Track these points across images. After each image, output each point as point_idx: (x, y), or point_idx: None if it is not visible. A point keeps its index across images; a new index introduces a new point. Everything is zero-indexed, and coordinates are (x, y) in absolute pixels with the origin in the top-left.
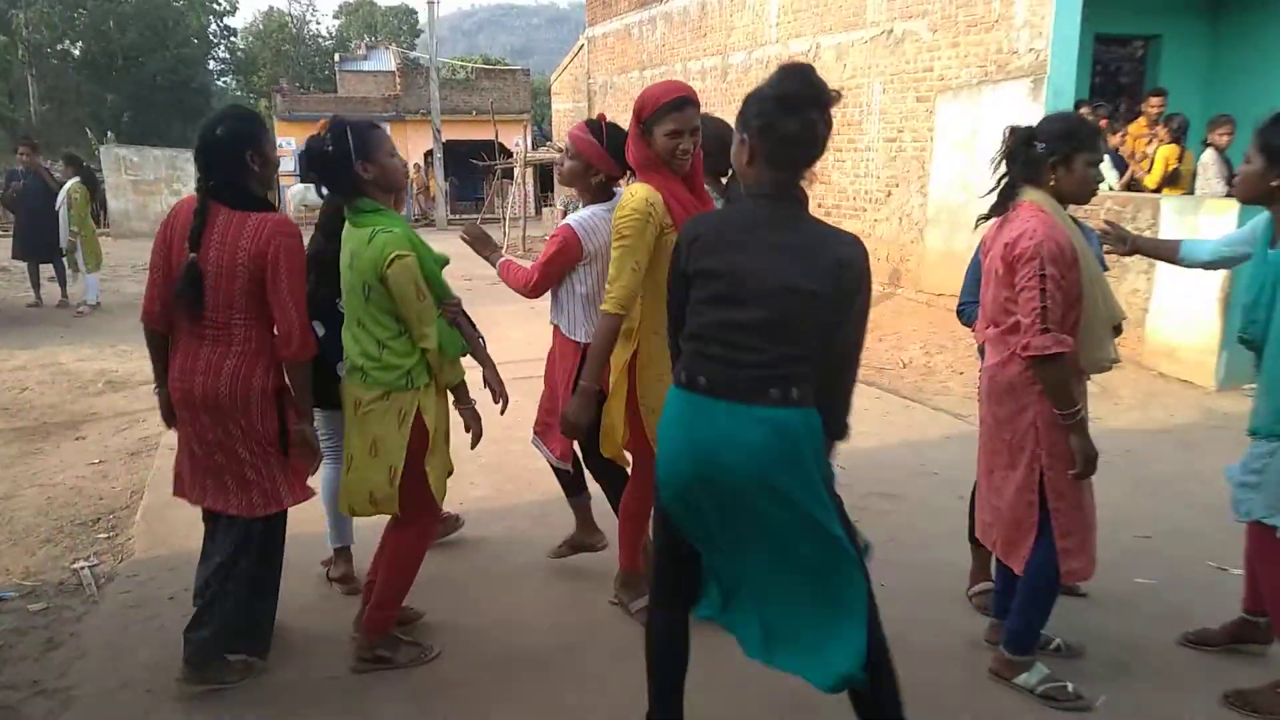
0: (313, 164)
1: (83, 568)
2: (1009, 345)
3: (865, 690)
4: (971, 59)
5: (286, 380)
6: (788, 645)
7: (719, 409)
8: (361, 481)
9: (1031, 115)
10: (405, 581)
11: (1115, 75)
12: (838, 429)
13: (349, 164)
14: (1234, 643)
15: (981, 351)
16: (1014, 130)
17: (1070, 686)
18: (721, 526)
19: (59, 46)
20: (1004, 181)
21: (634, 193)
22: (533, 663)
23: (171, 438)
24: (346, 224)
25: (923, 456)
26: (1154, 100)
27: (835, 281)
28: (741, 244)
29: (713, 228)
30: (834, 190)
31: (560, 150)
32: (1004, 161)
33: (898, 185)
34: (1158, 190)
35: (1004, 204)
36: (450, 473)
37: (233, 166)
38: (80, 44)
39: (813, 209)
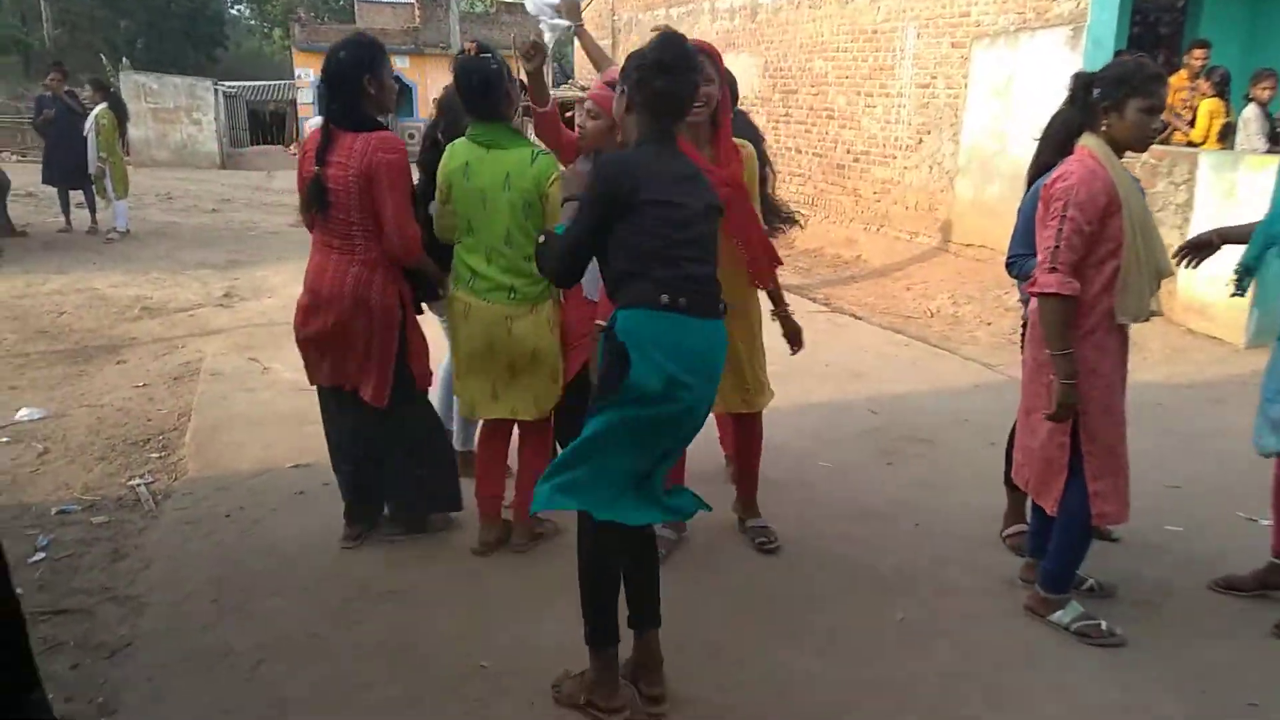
0: (477, 81)
1: (139, 485)
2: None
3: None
4: (1010, 5)
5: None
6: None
7: (698, 325)
8: (526, 388)
9: (1069, 64)
10: (547, 461)
11: (1154, 26)
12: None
13: (501, 88)
14: (1263, 589)
15: (1025, 301)
16: (1077, 75)
17: (1104, 624)
18: (680, 422)
19: None
20: (1063, 125)
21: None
22: None
23: (213, 364)
24: (476, 146)
25: (953, 404)
26: (1197, 52)
27: (716, 199)
28: (663, 175)
29: (640, 163)
30: (863, 136)
31: (581, 91)
32: (1067, 105)
33: (929, 133)
34: (1201, 145)
35: (1065, 147)
36: None
37: (351, 90)
38: None
39: (840, 155)
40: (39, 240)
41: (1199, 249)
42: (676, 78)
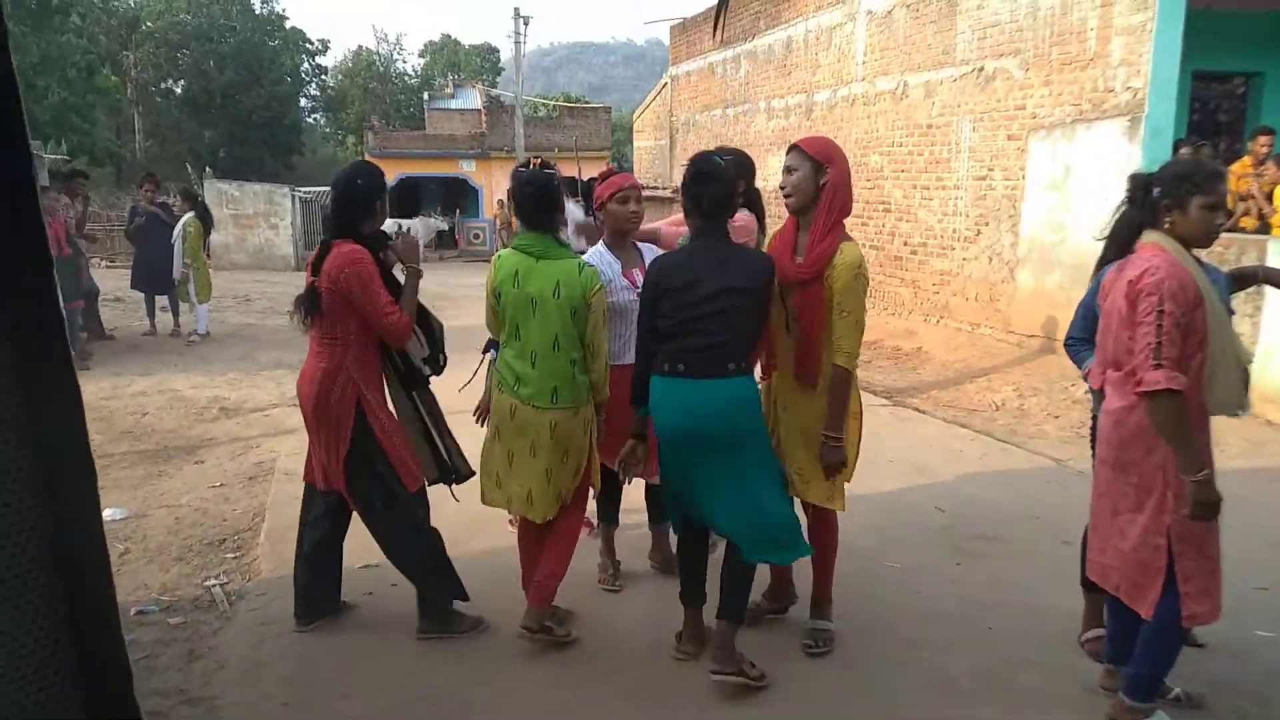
0: (535, 195)
1: (214, 585)
2: (1133, 388)
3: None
4: (1065, 97)
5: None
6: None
7: (693, 385)
8: (556, 486)
9: (1127, 155)
10: (569, 557)
11: (1214, 113)
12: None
13: (556, 202)
14: None
15: (1096, 395)
16: (1134, 176)
17: None
18: (699, 465)
19: (163, 85)
20: (1124, 225)
21: (855, 251)
22: (649, 694)
23: (287, 464)
24: (526, 256)
25: (1022, 500)
26: (1262, 139)
27: (753, 279)
28: (693, 268)
29: (677, 260)
30: (920, 228)
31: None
32: (1126, 205)
33: (987, 224)
34: None
35: (1129, 246)
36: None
37: (363, 211)
38: (182, 82)
39: (898, 247)
40: (125, 343)
41: (1241, 280)
42: (699, 186)
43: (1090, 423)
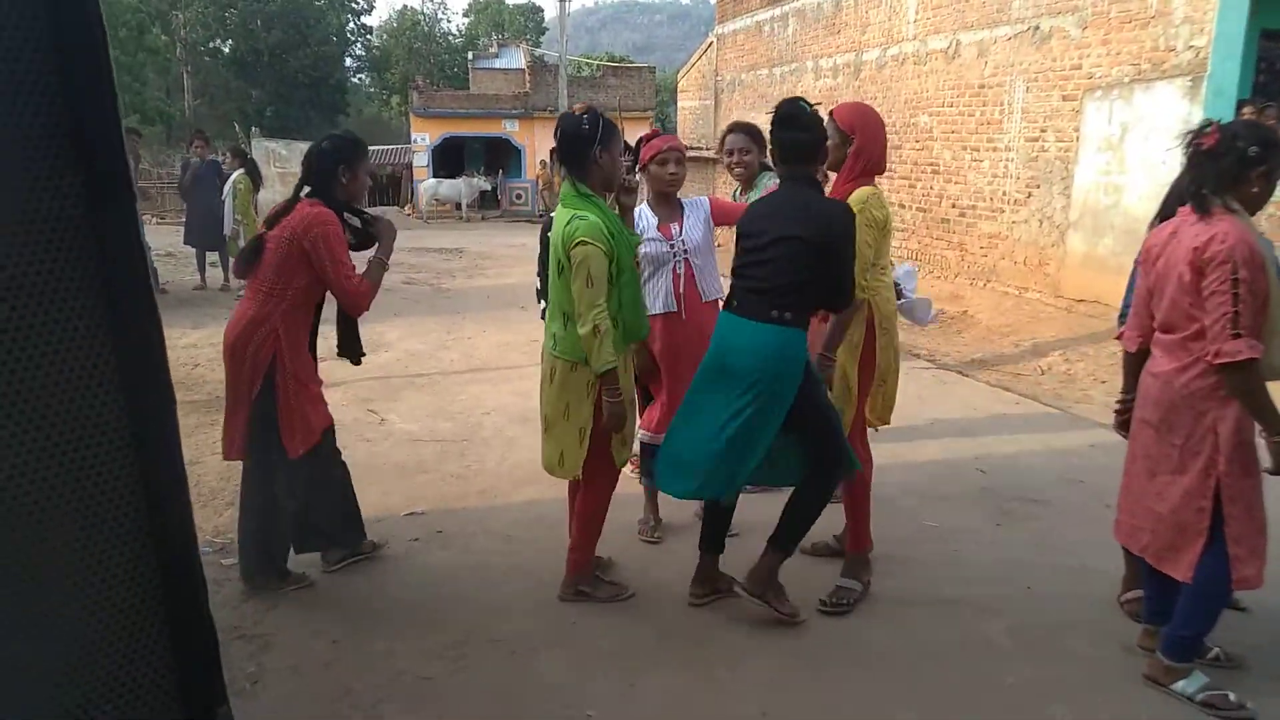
0: (562, 137)
1: None
2: (1190, 351)
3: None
4: (1124, 56)
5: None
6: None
7: (736, 322)
8: (556, 441)
9: (1187, 116)
10: (592, 530)
11: None
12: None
13: (589, 147)
14: None
15: (1130, 357)
16: (1219, 126)
17: (1232, 696)
18: (706, 392)
19: (211, 45)
20: (1194, 184)
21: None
22: (686, 637)
23: (334, 415)
24: (561, 204)
25: (1066, 464)
26: None
27: (817, 230)
28: (767, 215)
29: (758, 206)
30: (969, 190)
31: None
32: (1207, 157)
33: (1039, 186)
34: None
35: (1206, 203)
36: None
37: (328, 176)
38: (230, 42)
39: (945, 209)
40: (176, 297)
41: None
42: (786, 132)
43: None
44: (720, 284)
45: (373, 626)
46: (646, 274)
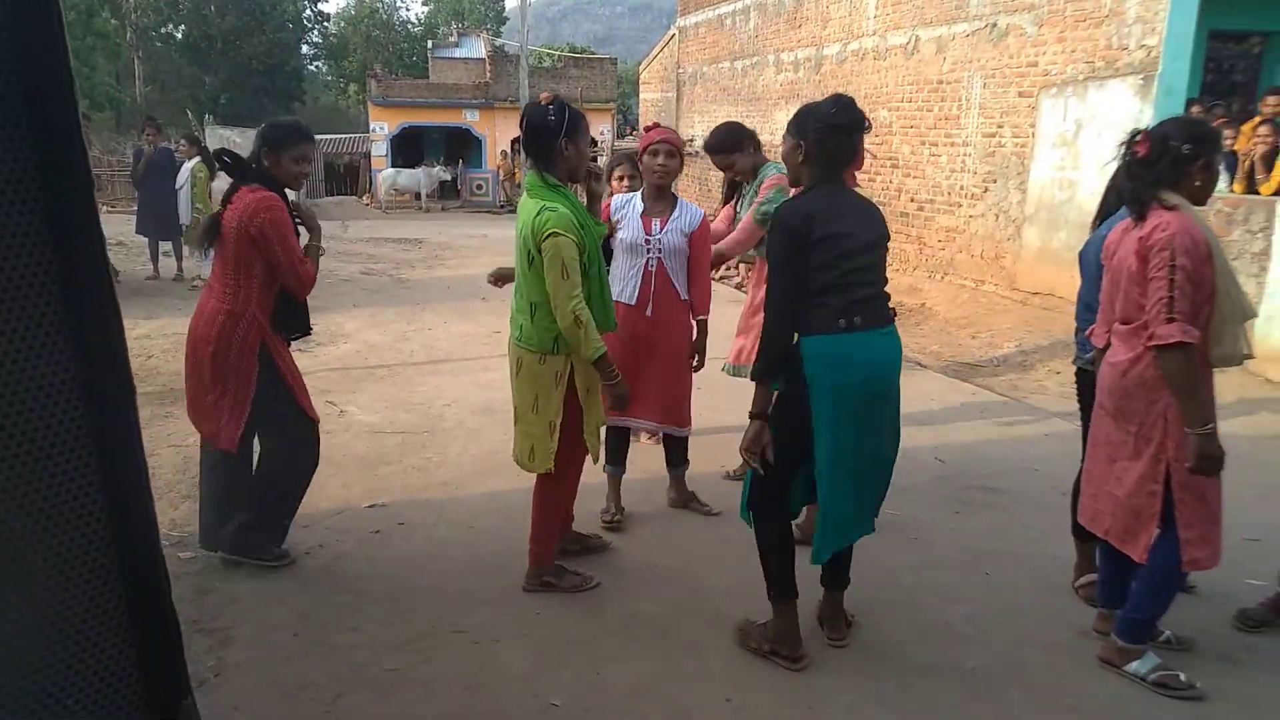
0: (527, 128)
1: None
2: (1142, 340)
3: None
4: (1078, 54)
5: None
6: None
7: (876, 336)
8: (526, 435)
9: (1139, 113)
10: (550, 522)
11: (1229, 73)
12: None
13: (555, 138)
14: None
15: (1082, 347)
16: (1149, 133)
17: (1183, 676)
18: (876, 423)
19: (163, 30)
20: (1133, 192)
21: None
22: (652, 626)
23: None
24: (524, 194)
25: (1022, 453)
26: (1271, 100)
27: (886, 228)
28: (840, 215)
29: (819, 207)
30: (927, 185)
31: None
32: (1141, 165)
33: (995, 181)
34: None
35: (1142, 206)
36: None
37: (256, 159)
38: (183, 27)
39: (904, 203)
40: (128, 287)
41: None
42: (851, 136)
43: (1075, 380)
44: (684, 288)
45: (335, 619)
46: (619, 260)
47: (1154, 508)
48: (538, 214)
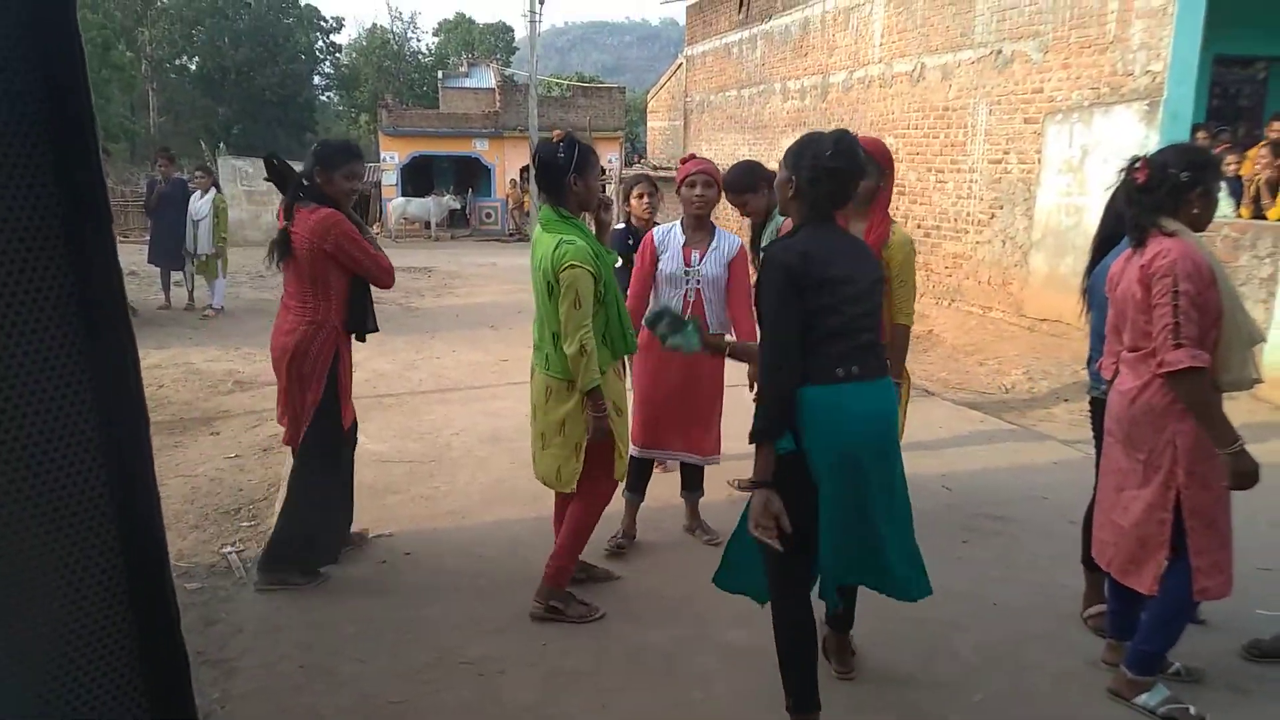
0: (539, 165)
1: (230, 552)
2: (1150, 367)
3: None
4: (1083, 80)
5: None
6: (887, 575)
7: (871, 388)
8: (554, 457)
9: (1145, 139)
10: (578, 543)
11: (1234, 98)
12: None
13: (565, 175)
14: None
15: (1094, 379)
16: (1148, 160)
17: (1192, 709)
18: (861, 487)
19: (177, 62)
20: (1134, 219)
21: (904, 235)
22: (659, 657)
23: None
24: (538, 228)
25: (1030, 481)
26: (1276, 125)
27: (880, 271)
28: (836, 257)
29: (812, 247)
30: (934, 211)
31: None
32: (1140, 192)
33: (1001, 207)
34: None
35: (1142, 234)
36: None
37: (309, 177)
38: (197, 59)
39: (911, 230)
40: (140, 318)
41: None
42: (846, 181)
43: (1088, 408)
44: (726, 319)
45: (341, 650)
46: (661, 289)
47: (1162, 536)
48: (556, 247)
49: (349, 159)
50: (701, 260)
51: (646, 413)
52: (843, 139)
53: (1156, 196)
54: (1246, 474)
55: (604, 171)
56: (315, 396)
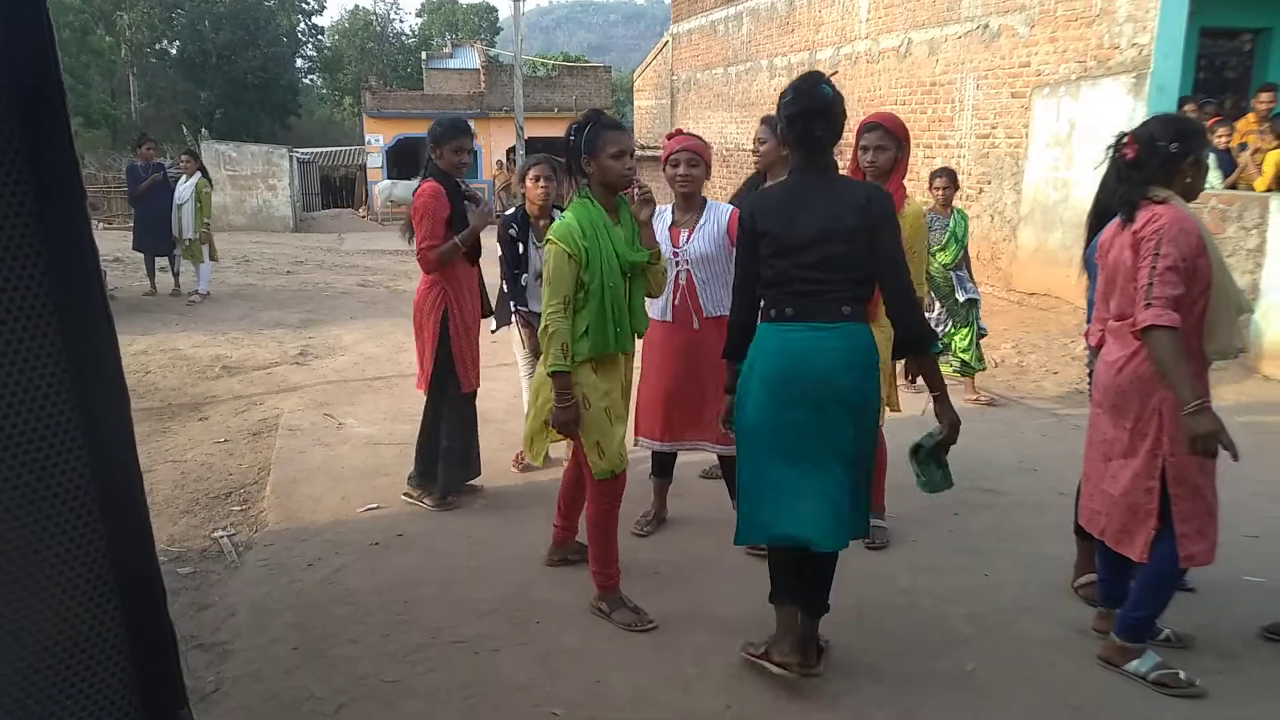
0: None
1: (221, 536)
2: (1136, 336)
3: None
4: (1070, 54)
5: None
6: (815, 520)
7: (801, 329)
8: (530, 422)
9: (1132, 111)
10: (599, 545)
11: (1220, 70)
12: (921, 332)
13: (577, 158)
14: None
15: (1093, 352)
16: (1134, 135)
17: (1182, 674)
18: (794, 421)
19: (158, 46)
20: (1124, 195)
21: (914, 201)
22: (654, 633)
23: (290, 420)
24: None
25: (1020, 453)
26: (1263, 96)
27: (861, 215)
28: (787, 211)
29: (768, 203)
30: (922, 187)
31: (641, 149)
32: (1131, 167)
33: (990, 182)
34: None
35: (1132, 208)
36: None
37: (430, 154)
38: (177, 43)
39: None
40: (125, 304)
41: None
42: (813, 115)
43: (1087, 380)
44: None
45: (334, 631)
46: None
47: (1151, 505)
48: (555, 221)
49: (456, 134)
50: (690, 239)
51: (659, 406)
52: (801, 82)
53: (1148, 170)
54: (1202, 434)
55: (630, 153)
56: (428, 346)
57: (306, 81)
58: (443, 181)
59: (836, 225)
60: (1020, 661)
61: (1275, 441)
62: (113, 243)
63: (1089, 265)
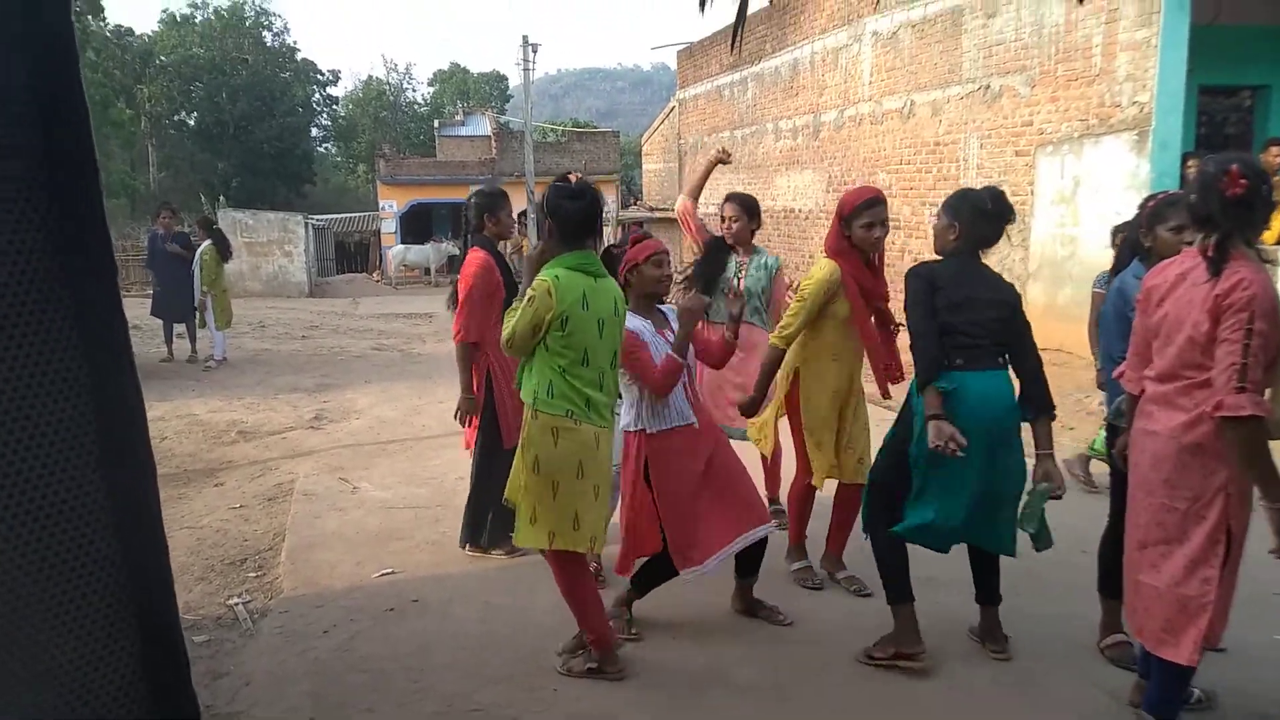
0: (583, 208)
1: (236, 604)
2: (1197, 402)
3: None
4: (1072, 112)
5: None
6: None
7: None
8: (603, 506)
9: (1135, 168)
10: (575, 607)
11: (1221, 126)
12: (1046, 399)
13: (601, 217)
14: None
15: (1111, 394)
16: (1241, 169)
17: None
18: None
19: (176, 117)
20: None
21: (822, 266)
22: (671, 698)
23: (306, 485)
24: (586, 276)
25: None
26: (1273, 150)
27: (1010, 296)
28: (964, 281)
29: (942, 270)
30: (929, 245)
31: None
32: (1235, 207)
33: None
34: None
35: (1224, 256)
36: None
37: (477, 224)
38: (195, 114)
39: (908, 263)
40: (142, 370)
41: None
42: (1003, 223)
43: (1106, 439)
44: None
45: (350, 700)
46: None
47: (1206, 597)
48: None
49: (505, 200)
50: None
51: (688, 517)
52: (994, 190)
53: (1255, 214)
54: None
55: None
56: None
57: (321, 150)
58: (491, 250)
59: (1006, 299)
60: None
61: None
62: (130, 309)
63: (1105, 318)
